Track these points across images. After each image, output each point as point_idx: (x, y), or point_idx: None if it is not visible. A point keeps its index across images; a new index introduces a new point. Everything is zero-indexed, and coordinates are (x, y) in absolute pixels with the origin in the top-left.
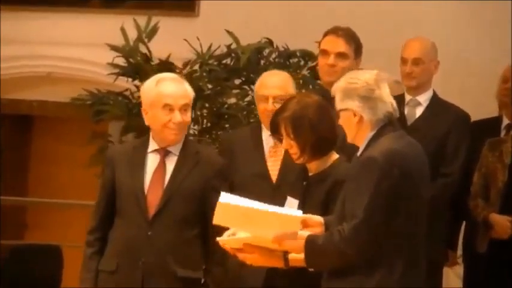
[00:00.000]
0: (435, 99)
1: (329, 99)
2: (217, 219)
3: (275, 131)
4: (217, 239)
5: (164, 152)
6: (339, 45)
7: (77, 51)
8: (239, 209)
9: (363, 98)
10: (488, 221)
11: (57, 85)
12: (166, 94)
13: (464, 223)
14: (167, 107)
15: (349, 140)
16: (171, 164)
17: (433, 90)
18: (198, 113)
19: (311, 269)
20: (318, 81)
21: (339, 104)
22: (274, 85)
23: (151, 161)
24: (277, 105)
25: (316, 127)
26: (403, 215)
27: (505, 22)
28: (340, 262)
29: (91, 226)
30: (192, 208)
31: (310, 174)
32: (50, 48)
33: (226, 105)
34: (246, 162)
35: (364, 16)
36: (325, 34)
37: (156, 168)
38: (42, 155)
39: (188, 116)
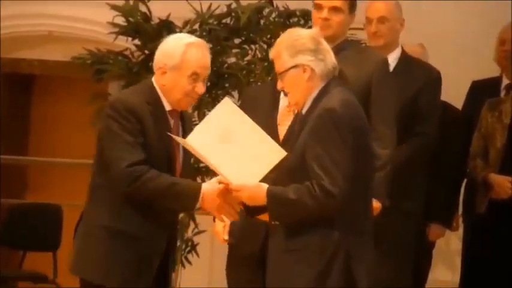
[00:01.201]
0: (404, 58)
1: None
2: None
3: None
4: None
5: (177, 115)
6: None
7: (77, 10)
8: (198, 154)
9: (312, 50)
10: (488, 181)
11: (58, 44)
12: (196, 62)
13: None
14: (194, 75)
15: (294, 102)
16: (180, 129)
17: (402, 49)
18: None
19: (275, 222)
20: None
21: (287, 62)
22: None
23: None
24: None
25: None
26: (361, 164)
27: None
28: (314, 215)
29: (138, 158)
30: None
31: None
32: (50, 7)
33: (226, 65)
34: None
35: None
36: None
37: (175, 133)
38: (42, 114)
39: (205, 86)
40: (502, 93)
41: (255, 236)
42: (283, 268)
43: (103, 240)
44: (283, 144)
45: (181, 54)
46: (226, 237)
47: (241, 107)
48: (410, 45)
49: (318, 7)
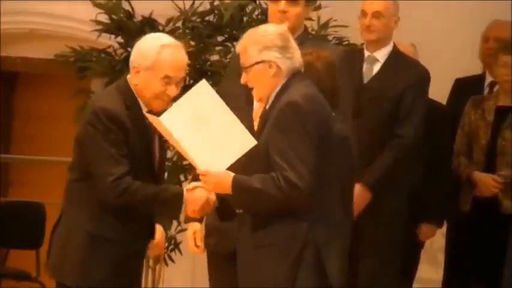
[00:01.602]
0: (394, 55)
1: None
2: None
3: None
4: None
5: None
6: None
7: (59, 8)
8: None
9: (280, 47)
10: (472, 179)
11: (40, 42)
12: (169, 65)
13: None
14: (166, 78)
15: (258, 98)
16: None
17: (394, 46)
18: None
19: (239, 210)
20: None
21: (254, 57)
22: None
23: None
24: None
25: (321, 82)
26: (327, 155)
27: None
28: (278, 207)
29: (123, 171)
30: None
31: None
32: (32, 4)
33: (209, 62)
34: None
35: None
36: None
37: (154, 134)
38: (25, 111)
39: (180, 88)
40: (486, 91)
41: (231, 234)
42: (252, 266)
43: (82, 244)
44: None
45: (155, 56)
46: (199, 243)
47: None
48: (402, 44)
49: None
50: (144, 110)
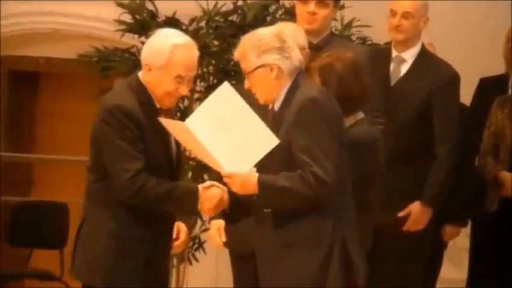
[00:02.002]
0: (422, 56)
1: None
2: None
3: None
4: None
5: (171, 112)
6: None
7: (83, 8)
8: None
9: (278, 49)
10: (499, 178)
11: (64, 42)
12: (181, 65)
13: None
14: (179, 78)
15: (263, 101)
16: None
17: (422, 46)
18: (205, 70)
19: (267, 210)
20: None
21: (253, 63)
22: None
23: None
24: None
25: (344, 82)
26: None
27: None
28: (306, 204)
29: (139, 166)
30: None
31: None
32: (56, 5)
33: (232, 62)
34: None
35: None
36: None
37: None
38: (48, 111)
39: (190, 86)
40: (510, 91)
41: (249, 235)
42: (279, 265)
43: (106, 245)
44: None
45: (168, 55)
46: (224, 239)
47: None
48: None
49: (304, 0)
50: (158, 106)
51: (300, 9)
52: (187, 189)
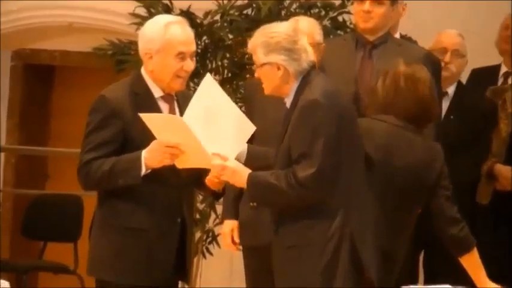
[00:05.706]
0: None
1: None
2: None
3: None
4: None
5: (171, 99)
6: None
7: (98, 1)
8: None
9: (287, 50)
10: (493, 172)
11: (79, 35)
12: (179, 41)
13: None
14: (180, 54)
15: (268, 91)
16: (177, 112)
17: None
18: (219, 63)
19: (253, 203)
20: (339, 32)
21: (261, 59)
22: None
23: (163, 110)
24: None
25: (419, 93)
26: (345, 154)
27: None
28: (290, 203)
29: (90, 157)
30: None
31: None
32: None
33: (247, 56)
34: (266, 108)
35: None
36: None
37: None
38: (63, 104)
39: (194, 61)
40: (500, 81)
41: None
42: (286, 266)
43: (112, 239)
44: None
45: (162, 36)
46: (237, 240)
47: (242, 99)
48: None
49: None
50: (159, 94)
51: (356, 7)
52: (130, 157)
